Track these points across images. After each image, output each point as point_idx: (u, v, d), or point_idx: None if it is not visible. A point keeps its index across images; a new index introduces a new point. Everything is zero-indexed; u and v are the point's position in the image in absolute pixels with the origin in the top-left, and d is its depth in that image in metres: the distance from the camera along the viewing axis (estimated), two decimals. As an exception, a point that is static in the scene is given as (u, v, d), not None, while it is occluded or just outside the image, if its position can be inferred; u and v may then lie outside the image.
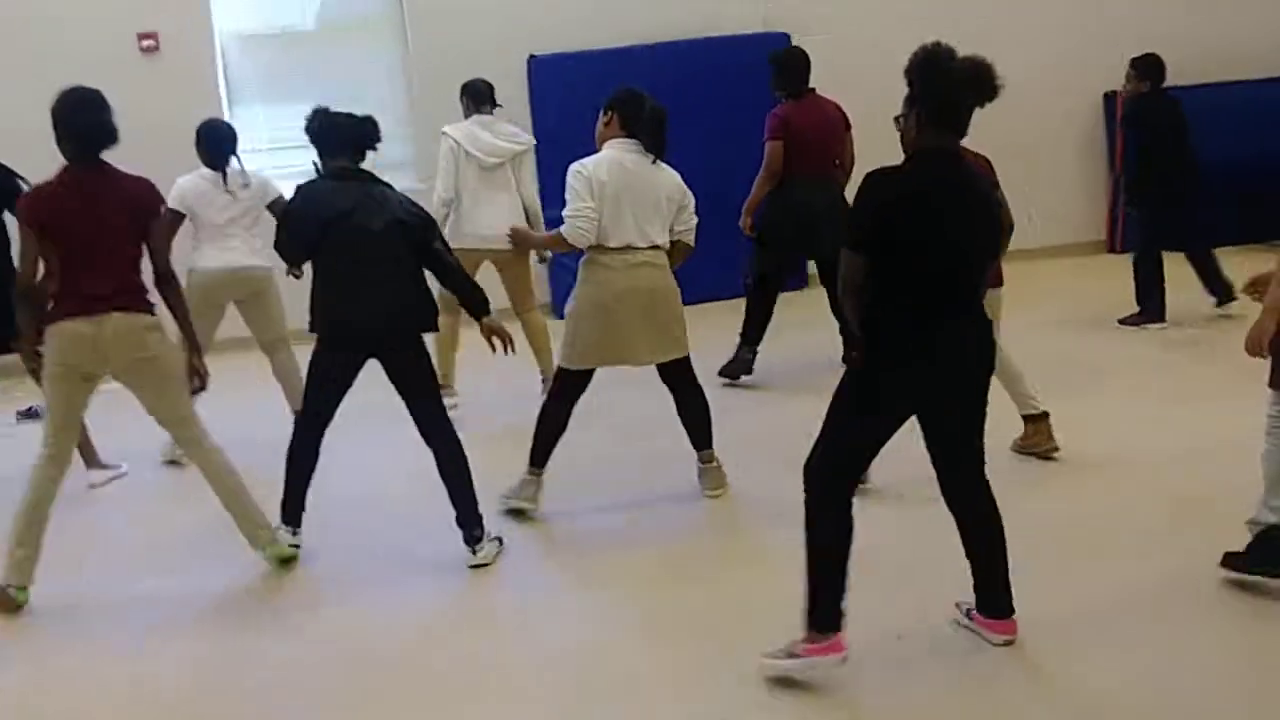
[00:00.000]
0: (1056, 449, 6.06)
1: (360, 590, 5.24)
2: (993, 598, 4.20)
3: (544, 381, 7.61)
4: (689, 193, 5.78)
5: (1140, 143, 8.74)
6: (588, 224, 5.53)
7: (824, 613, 3.99)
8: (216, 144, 7.11)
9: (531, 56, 10.55)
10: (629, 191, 5.57)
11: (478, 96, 7.76)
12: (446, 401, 7.38)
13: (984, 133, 10.63)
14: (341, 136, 5.37)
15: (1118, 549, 5.00)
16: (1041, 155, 11.36)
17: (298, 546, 5.48)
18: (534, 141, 7.73)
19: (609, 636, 4.63)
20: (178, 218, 7.06)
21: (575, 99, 10.58)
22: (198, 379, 5.31)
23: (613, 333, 5.63)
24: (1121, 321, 8.65)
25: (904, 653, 4.23)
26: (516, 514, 5.81)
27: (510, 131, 7.74)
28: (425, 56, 10.52)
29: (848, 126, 7.95)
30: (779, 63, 7.89)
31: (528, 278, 7.71)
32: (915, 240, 3.87)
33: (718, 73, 10.40)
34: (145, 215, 5.17)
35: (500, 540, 5.47)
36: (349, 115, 5.44)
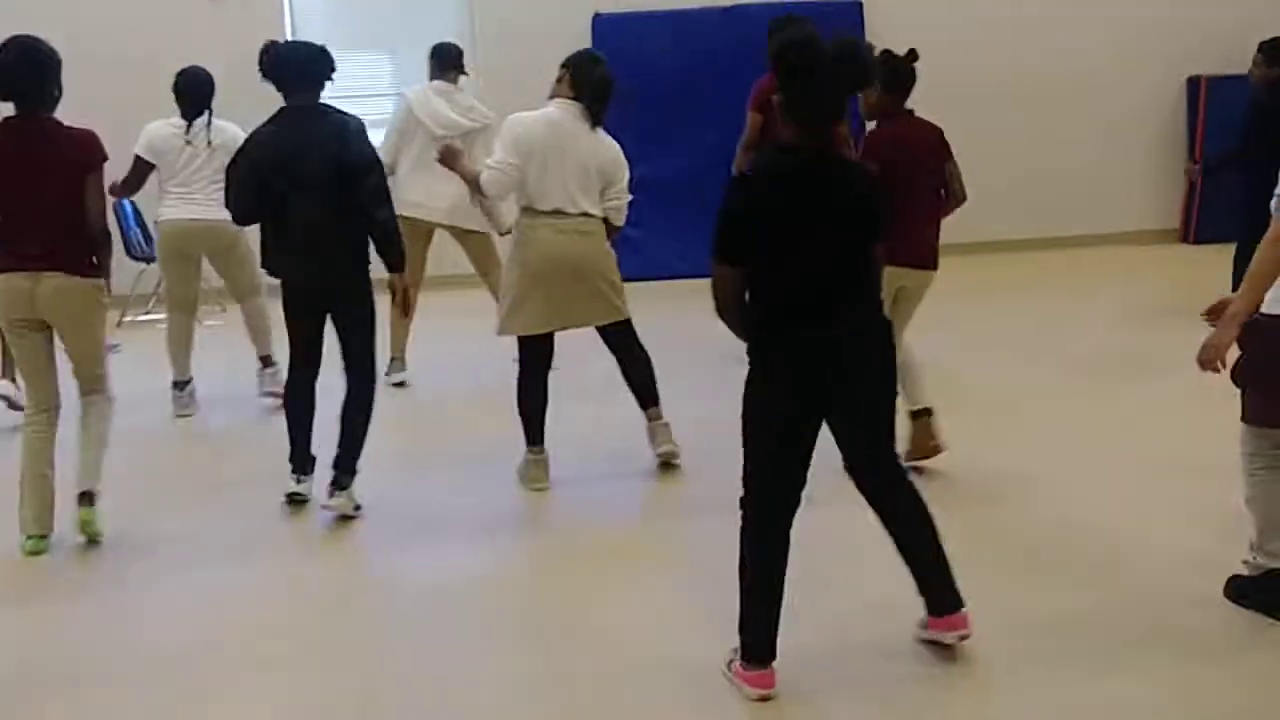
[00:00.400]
0: (937, 449, 5.59)
1: (361, 543, 5.25)
2: (937, 595, 3.91)
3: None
4: (624, 168, 5.61)
5: (1268, 132, 8.22)
6: (504, 178, 5.43)
7: (754, 644, 3.78)
8: (191, 94, 6.99)
9: (597, 14, 10.40)
10: (558, 153, 5.42)
11: (444, 61, 7.54)
12: (397, 377, 7.39)
13: (1060, 113, 10.68)
14: (293, 71, 5.29)
15: (1100, 561, 4.71)
16: (1118, 139, 11.06)
17: (300, 495, 5.45)
18: (491, 119, 7.39)
19: (609, 618, 4.48)
20: (146, 167, 7.06)
21: (640, 60, 10.46)
22: None
23: (540, 297, 5.50)
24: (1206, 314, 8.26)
25: (870, 668, 3.97)
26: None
27: (468, 105, 7.52)
28: (489, 5, 10.40)
29: None
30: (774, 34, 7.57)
31: (489, 245, 7.56)
32: (783, 240, 3.62)
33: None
34: (81, 169, 5.00)
35: (359, 508, 5.42)
36: (301, 46, 5.42)
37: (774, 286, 3.67)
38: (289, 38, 10.47)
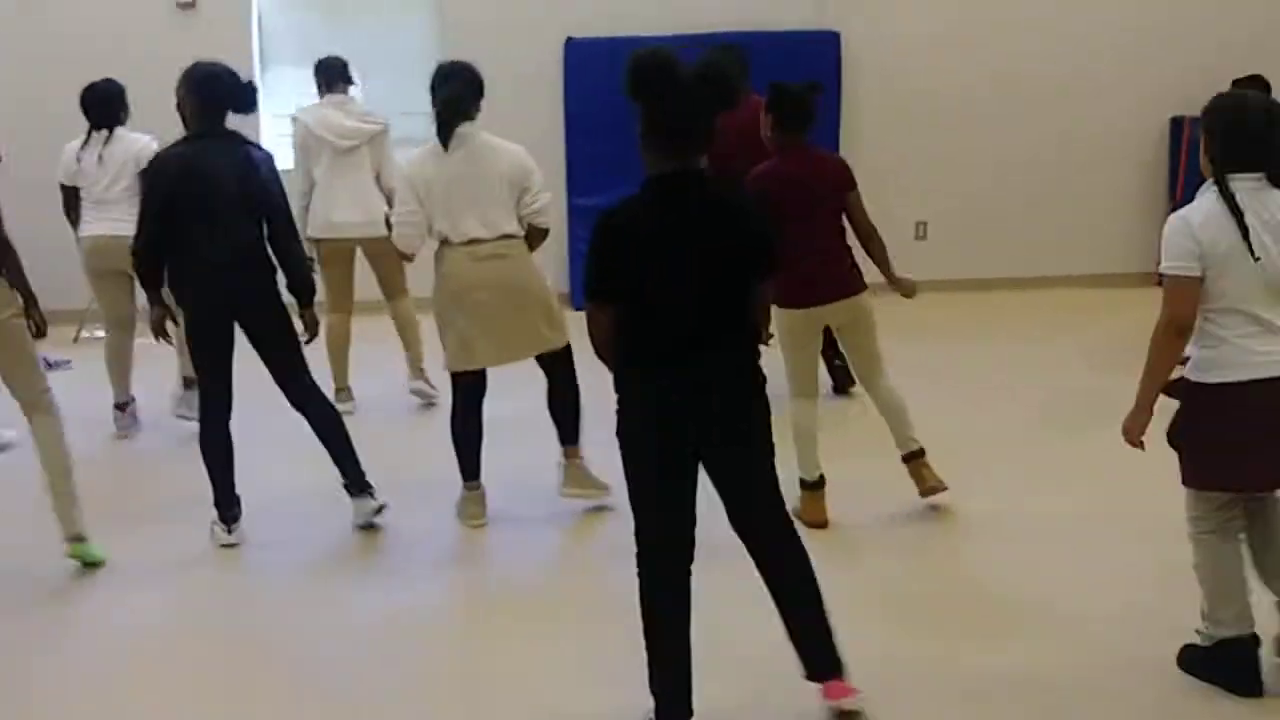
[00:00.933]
0: (822, 522, 5.30)
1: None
2: (813, 655, 3.66)
3: (418, 371, 7.49)
4: (530, 171, 5.36)
5: None
6: (410, 228, 5.30)
7: (663, 706, 3.57)
8: (95, 110, 6.92)
9: (569, 39, 10.25)
10: (454, 183, 5.24)
11: (330, 75, 7.44)
12: (342, 408, 7.12)
13: (1039, 151, 10.50)
14: (216, 93, 5.17)
15: (1056, 619, 4.51)
16: (1096, 178, 10.87)
17: (233, 544, 5.28)
18: (389, 122, 7.42)
19: (538, 666, 4.30)
20: (68, 190, 6.97)
21: (611, 85, 10.25)
22: (34, 328, 5.04)
23: (469, 332, 5.31)
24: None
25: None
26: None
27: (363, 112, 7.46)
28: (459, 29, 10.24)
29: None
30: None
31: (399, 264, 7.31)
32: (646, 276, 3.43)
33: (764, 69, 10.00)
34: None
35: (381, 509, 5.41)
36: (228, 72, 5.25)
37: (637, 323, 3.47)
38: (256, 54, 10.35)
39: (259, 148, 5.27)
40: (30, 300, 5.02)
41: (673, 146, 3.42)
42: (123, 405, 7.07)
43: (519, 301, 5.28)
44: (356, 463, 5.35)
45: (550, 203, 5.40)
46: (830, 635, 3.65)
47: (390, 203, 7.08)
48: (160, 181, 5.13)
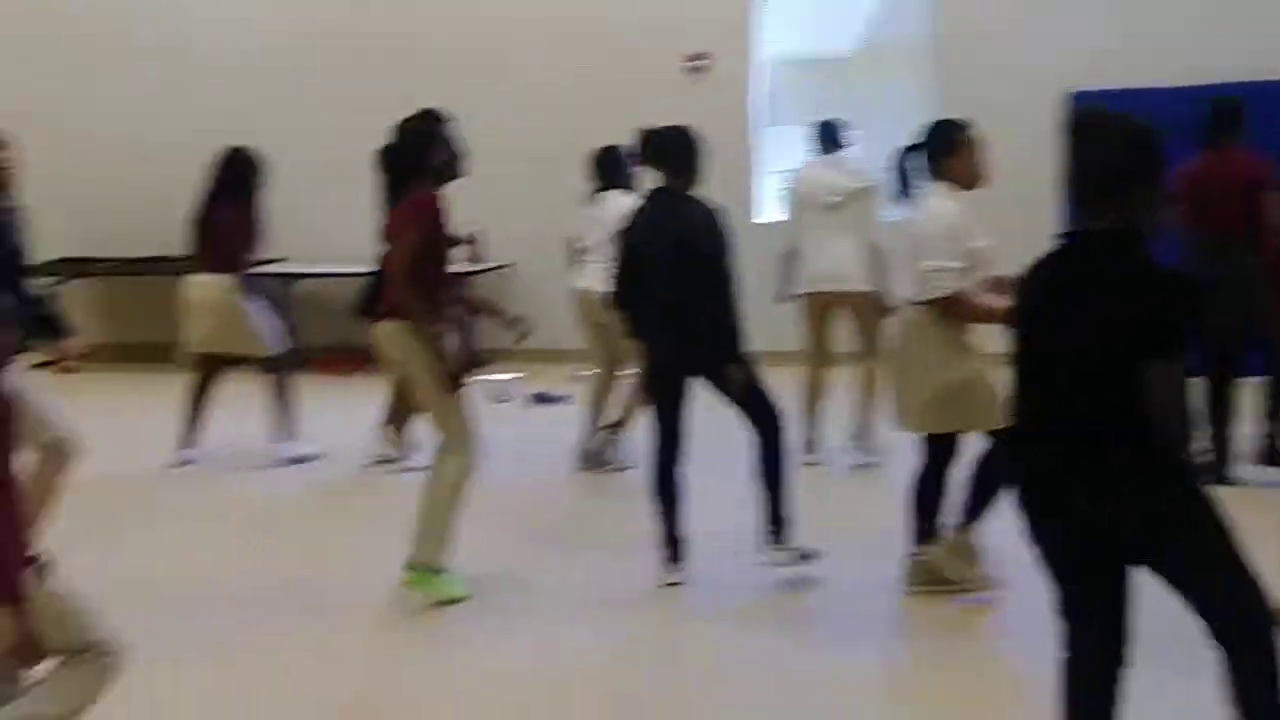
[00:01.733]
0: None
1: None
2: None
3: (856, 437, 7.45)
4: (929, 239, 4.98)
5: None
6: None
7: None
8: (599, 170, 7.45)
9: (1073, 91, 9.98)
10: (903, 243, 5.27)
11: (825, 136, 7.54)
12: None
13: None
14: (660, 156, 5.51)
15: None
16: None
17: (675, 583, 5.45)
18: (878, 180, 6.92)
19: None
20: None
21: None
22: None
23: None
24: None
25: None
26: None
27: (854, 170, 7.44)
28: (959, 83, 10.21)
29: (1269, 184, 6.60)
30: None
31: (877, 323, 7.17)
32: (1035, 342, 3.27)
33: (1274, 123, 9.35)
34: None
35: (806, 557, 5.40)
36: (677, 135, 5.53)
37: (1020, 390, 3.33)
38: (761, 112, 10.77)
39: (703, 205, 5.44)
40: (440, 354, 5.19)
41: (1081, 201, 3.29)
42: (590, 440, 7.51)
43: (900, 373, 5.20)
44: (776, 507, 5.39)
45: (940, 274, 4.94)
46: None
47: (875, 258, 7.29)
48: (622, 240, 5.57)
